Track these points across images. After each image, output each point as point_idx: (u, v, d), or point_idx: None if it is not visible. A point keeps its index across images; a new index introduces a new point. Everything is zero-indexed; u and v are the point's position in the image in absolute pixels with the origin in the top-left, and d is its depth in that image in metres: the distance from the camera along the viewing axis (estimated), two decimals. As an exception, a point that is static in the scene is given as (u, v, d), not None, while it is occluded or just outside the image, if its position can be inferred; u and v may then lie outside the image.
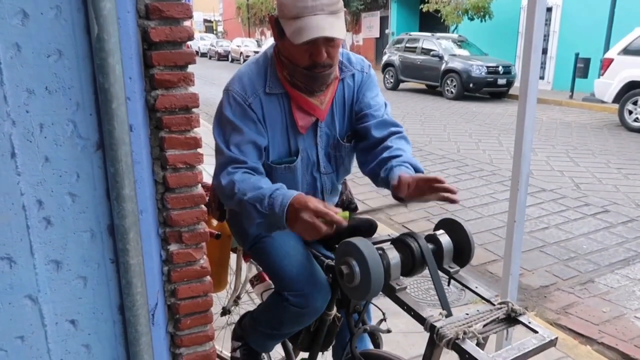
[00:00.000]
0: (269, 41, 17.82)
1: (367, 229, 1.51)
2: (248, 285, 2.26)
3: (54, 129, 1.01)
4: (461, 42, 14.61)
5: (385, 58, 16.00)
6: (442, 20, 16.92)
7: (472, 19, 16.14)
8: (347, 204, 1.85)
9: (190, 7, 1.09)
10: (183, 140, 1.13)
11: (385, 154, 1.50)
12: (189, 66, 1.13)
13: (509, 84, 13.23)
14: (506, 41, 16.32)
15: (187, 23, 1.11)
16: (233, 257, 2.18)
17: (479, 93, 13.53)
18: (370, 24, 24.40)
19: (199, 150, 1.15)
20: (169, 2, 1.07)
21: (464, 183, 5.60)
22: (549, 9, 14.72)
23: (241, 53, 27.13)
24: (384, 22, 23.27)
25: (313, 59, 1.39)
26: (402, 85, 15.58)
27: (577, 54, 12.20)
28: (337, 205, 1.79)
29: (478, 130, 8.86)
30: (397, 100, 13.04)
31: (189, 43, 1.17)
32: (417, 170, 1.46)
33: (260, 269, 2.05)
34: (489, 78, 12.83)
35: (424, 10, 17.10)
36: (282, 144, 1.54)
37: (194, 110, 1.14)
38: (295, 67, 1.44)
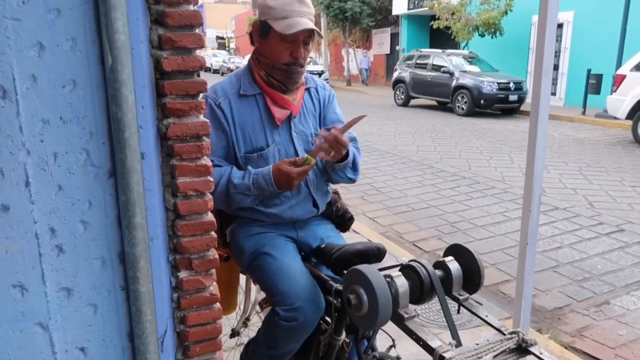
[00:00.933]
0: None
1: (375, 254, 1.51)
2: (258, 307, 2.25)
3: (67, 158, 1.03)
4: (472, 59, 14.63)
5: (395, 74, 16.06)
6: (452, 37, 16.97)
7: (482, 36, 16.18)
8: (342, 214, 1.97)
9: (202, 37, 1.11)
10: (194, 167, 1.14)
11: None
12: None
13: (520, 100, 13.19)
14: (517, 57, 16.32)
15: (199, 52, 1.13)
16: (242, 278, 2.18)
17: (490, 109, 13.50)
18: (381, 40, 24.57)
19: (209, 177, 1.16)
20: (181, 32, 1.09)
21: (476, 201, 5.57)
22: (560, 25, 14.70)
23: (253, 69, 27.34)
24: (394, 38, 23.41)
25: (294, 55, 1.67)
26: (412, 102, 15.61)
27: (589, 70, 12.15)
28: (330, 215, 1.95)
29: (489, 147, 8.83)
30: (407, 117, 13.05)
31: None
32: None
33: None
34: (500, 94, 12.81)
35: (434, 27, 17.18)
36: (257, 137, 1.74)
37: (205, 138, 1.15)
38: (274, 65, 1.69)
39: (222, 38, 52.47)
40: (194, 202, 1.15)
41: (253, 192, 1.67)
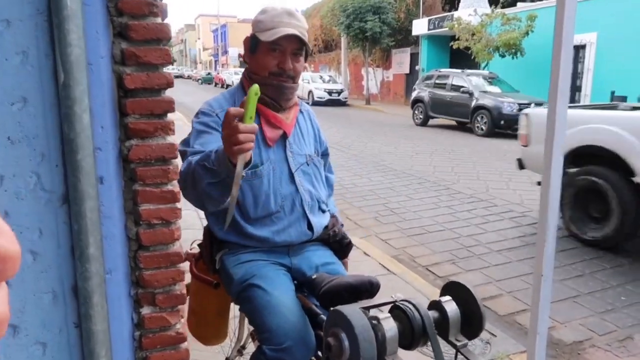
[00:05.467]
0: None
1: (368, 289, 1.38)
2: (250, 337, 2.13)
3: (15, 182, 0.94)
4: (492, 79, 14.45)
5: (414, 94, 15.95)
6: (472, 57, 16.81)
7: (503, 56, 15.99)
8: (340, 239, 1.86)
9: (169, 53, 1.01)
10: (159, 193, 1.04)
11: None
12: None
13: (542, 121, 12.93)
14: (538, 78, 16.04)
15: (166, 69, 1.04)
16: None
17: (510, 130, 13.25)
18: (401, 60, 24.53)
19: (177, 204, 1.06)
20: (146, 47, 1.00)
21: (493, 224, 5.37)
22: (583, 47, 14.46)
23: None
24: (414, 58, 23.35)
25: (280, 65, 1.64)
26: (431, 122, 15.46)
27: (612, 92, 11.86)
28: (328, 240, 1.84)
29: (509, 168, 8.59)
30: (426, 137, 12.89)
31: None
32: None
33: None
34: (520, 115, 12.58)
35: (454, 47, 17.06)
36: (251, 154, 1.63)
37: (172, 161, 1.05)
38: (265, 80, 1.64)
39: (244, 57, 53.22)
40: (159, 232, 1.05)
41: (211, 161, 1.45)
